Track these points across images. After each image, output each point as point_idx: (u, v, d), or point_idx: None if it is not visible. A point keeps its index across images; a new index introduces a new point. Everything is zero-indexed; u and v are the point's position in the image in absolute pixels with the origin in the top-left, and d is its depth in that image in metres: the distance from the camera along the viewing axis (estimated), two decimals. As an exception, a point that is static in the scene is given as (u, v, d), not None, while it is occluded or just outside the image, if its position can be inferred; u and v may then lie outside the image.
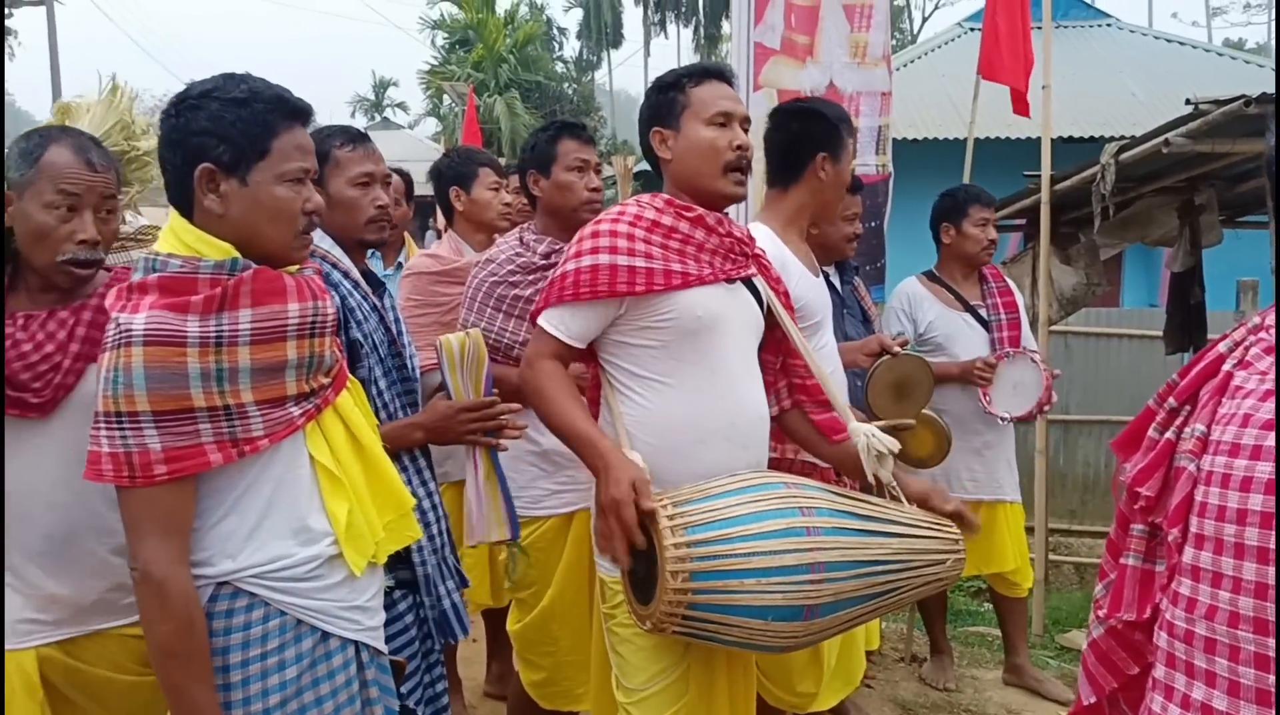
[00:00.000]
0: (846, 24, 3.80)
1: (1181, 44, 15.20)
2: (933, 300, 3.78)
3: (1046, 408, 3.74)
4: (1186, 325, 5.54)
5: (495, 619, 3.65)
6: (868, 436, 2.17)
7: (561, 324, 2.10)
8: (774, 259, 2.54)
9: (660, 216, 2.11)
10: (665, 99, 2.20)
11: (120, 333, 1.54)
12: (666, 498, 1.95)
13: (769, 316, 2.29)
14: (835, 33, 3.78)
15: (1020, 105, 4.29)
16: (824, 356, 2.69)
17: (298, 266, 1.74)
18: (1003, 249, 7.76)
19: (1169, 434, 1.13)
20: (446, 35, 32.51)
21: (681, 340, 2.10)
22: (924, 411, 3.25)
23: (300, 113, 1.70)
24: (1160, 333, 5.83)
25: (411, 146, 30.33)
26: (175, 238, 1.65)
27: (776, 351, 2.35)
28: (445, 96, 29.32)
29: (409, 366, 2.34)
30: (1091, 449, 7.22)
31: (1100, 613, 1.23)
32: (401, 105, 44.37)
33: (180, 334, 1.54)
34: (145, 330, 1.53)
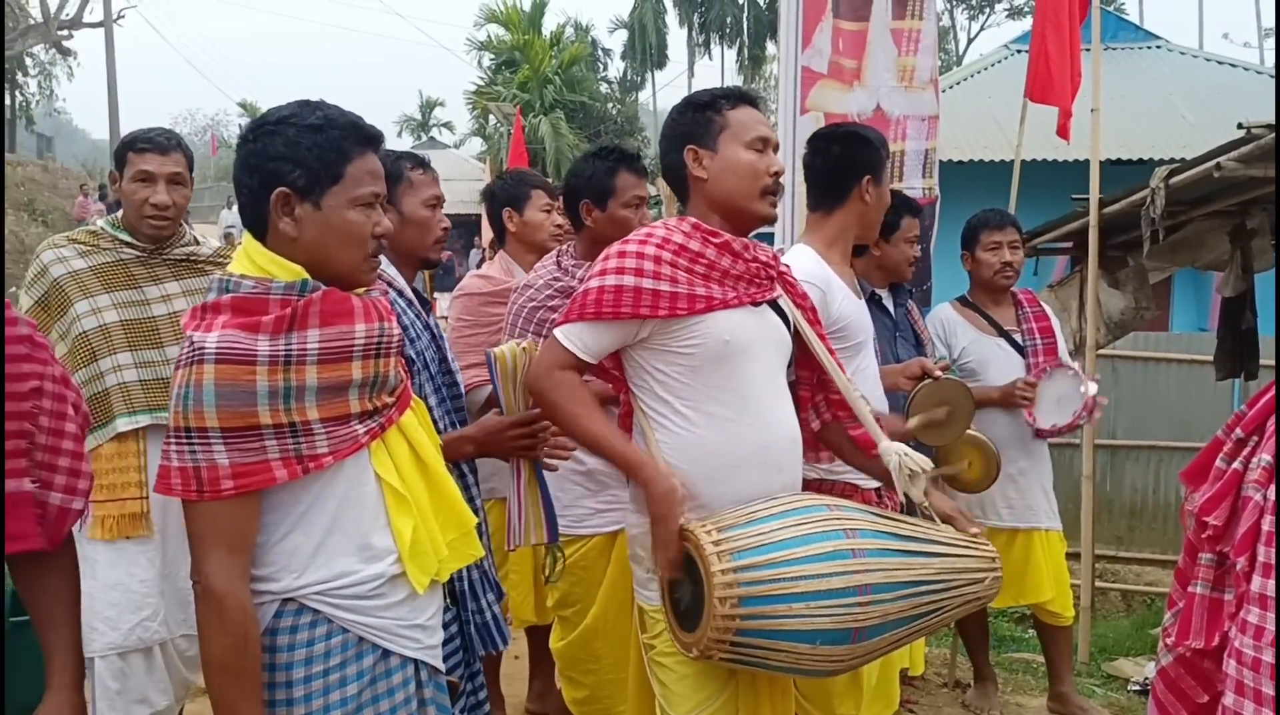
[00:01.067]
0: (894, 48, 3.81)
1: (1233, 66, 15.01)
2: (966, 325, 3.75)
3: (1096, 412, 3.67)
4: (1238, 351, 5.47)
5: (538, 636, 3.67)
6: (899, 456, 2.16)
7: (579, 340, 2.09)
8: (819, 279, 2.57)
9: (688, 241, 2.09)
10: (701, 118, 2.18)
11: (194, 350, 1.58)
12: (710, 523, 1.95)
13: (795, 336, 2.29)
14: (883, 57, 3.79)
15: (1063, 128, 4.27)
16: (863, 378, 2.71)
17: (365, 288, 1.77)
18: (1050, 272, 7.71)
19: (1236, 464, 1.13)
20: (493, 57, 32.88)
21: (710, 365, 2.09)
22: (972, 434, 3.24)
23: (373, 139, 1.74)
24: (1210, 358, 5.75)
25: (457, 166, 30.67)
26: (248, 259, 1.69)
27: (810, 367, 2.35)
28: (490, 117, 29.65)
29: (458, 382, 2.39)
30: (1139, 474, 7.12)
31: (1169, 640, 1.23)
32: (447, 125, 44.89)
33: (251, 353, 1.57)
34: (217, 348, 1.56)
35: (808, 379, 2.36)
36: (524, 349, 2.34)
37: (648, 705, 2.28)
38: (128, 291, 2.72)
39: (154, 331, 2.72)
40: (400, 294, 2.28)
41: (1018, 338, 3.72)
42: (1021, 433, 3.65)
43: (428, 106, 44.47)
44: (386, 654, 1.73)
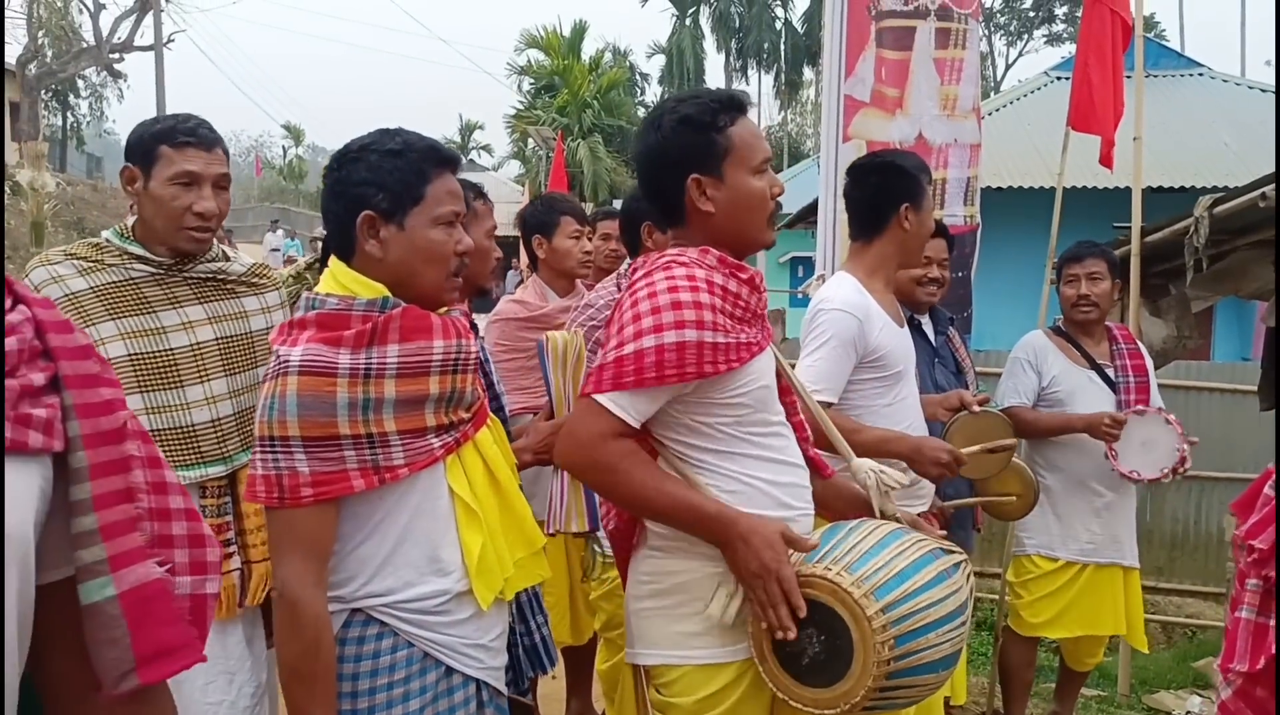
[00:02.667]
0: (937, 77, 3.84)
1: (1275, 93, 14.88)
2: (1058, 354, 3.72)
3: (1180, 471, 3.55)
4: (1283, 381, 5.40)
5: (575, 657, 3.70)
6: (876, 474, 2.11)
7: (631, 407, 1.81)
8: (857, 309, 2.59)
9: (726, 280, 1.88)
10: (703, 141, 1.91)
11: (279, 363, 1.66)
12: (831, 562, 1.81)
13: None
14: (925, 85, 3.83)
15: (1106, 157, 4.27)
16: (904, 407, 2.72)
17: (447, 307, 1.84)
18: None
19: None
20: (533, 81, 33.26)
21: (751, 411, 1.94)
22: (1014, 462, 3.24)
23: (450, 161, 1.82)
24: (1253, 387, 5.68)
25: (495, 188, 30.91)
26: (333, 280, 1.77)
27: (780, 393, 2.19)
28: (529, 140, 29.93)
29: (502, 407, 2.43)
30: (1180, 504, 7.02)
31: (1225, 671, 1.24)
32: (486, 148, 45.42)
33: (332, 366, 1.64)
34: (301, 361, 1.64)
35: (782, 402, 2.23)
36: (574, 336, 2.41)
37: None
38: (139, 317, 2.19)
39: (171, 367, 2.20)
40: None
41: (1110, 372, 3.69)
42: (1104, 464, 3.59)
43: (467, 129, 45.03)
44: (450, 671, 1.77)
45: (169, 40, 30.02)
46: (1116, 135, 4.46)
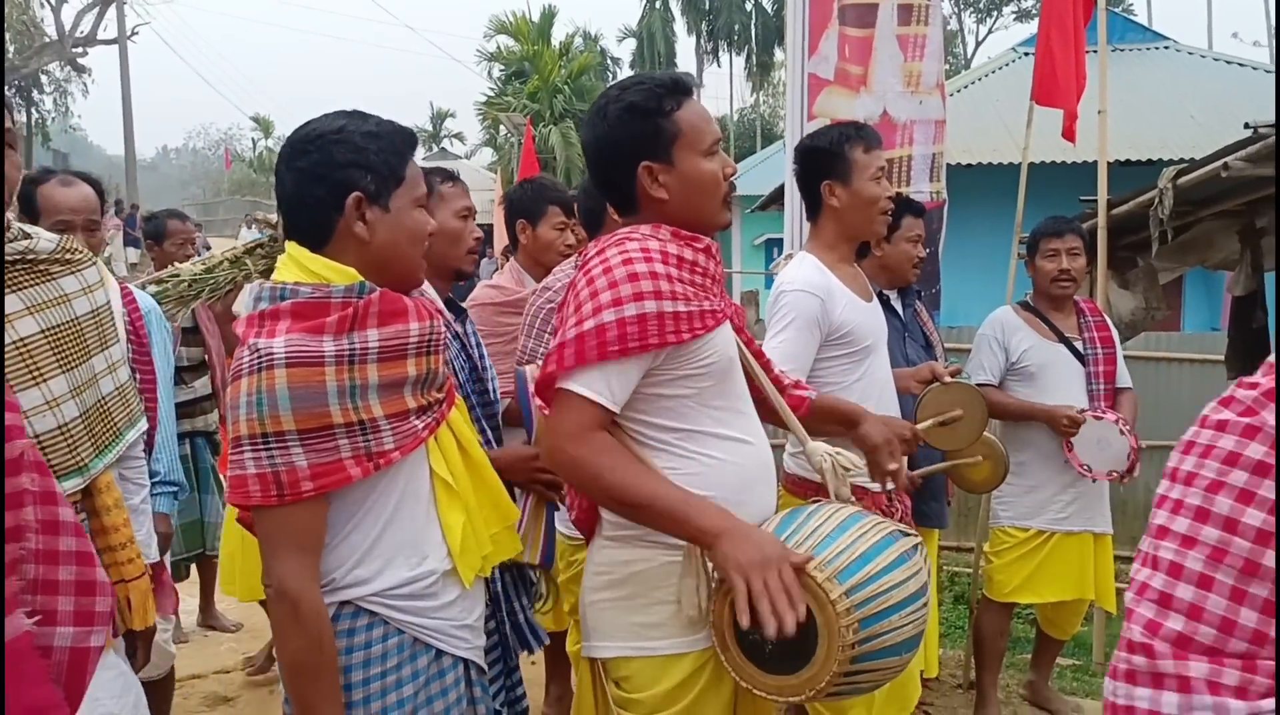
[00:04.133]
0: (900, 54, 3.84)
1: (1241, 65, 14.99)
2: (1027, 330, 3.75)
3: (1128, 478, 3.65)
4: (1249, 350, 5.46)
5: (555, 642, 3.70)
6: (831, 456, 2.09)
7: (605, 388, 1.76)
8: (818, 289, 2.61)
9: (682, 250, 1.86)
10: (650, 127, 1.87)
11: (260, 357, 1.59)
12: (793, 546, 1.77)
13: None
14: (889, 62, 3.83)
15: (1068, 131, 4.29)
16: (871, 382, 2.74)
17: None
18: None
19: None
20: (503, 67, 33.09)
21: (716, 384, 1.90)
22: (984, 436, 3.26)
23: (415, 143, 1.83)
24: (1222, 357, 5.75)
25: (468, 176, 30.76)
26: (299, 267, 1.72)
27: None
28: (501, 127, 29.79)
29: (489, 391, 2.43)
30: (1153, 474, 7.05)
31: None
32: (458, 136, 45.20)
33: (319, 354, 1.62)
34: (286, 353, 1.60)
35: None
36: None
37: None
38: (40, 286, 1.89)
39: (80, 340, 1.95)
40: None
41: (1079, 346, 3.73)
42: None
43: (439, 118, 44.76)
44: (439, 654, 1.78)
45: (133, 33, 29.64)
46: (1081, 109, 4.48)
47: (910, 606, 1.78)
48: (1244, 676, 0.97)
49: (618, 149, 1.90)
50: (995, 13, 42.21)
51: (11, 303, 1.81)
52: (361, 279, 1.71)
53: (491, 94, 32.74)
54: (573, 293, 1.85)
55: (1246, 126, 3.93)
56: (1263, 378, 1.04)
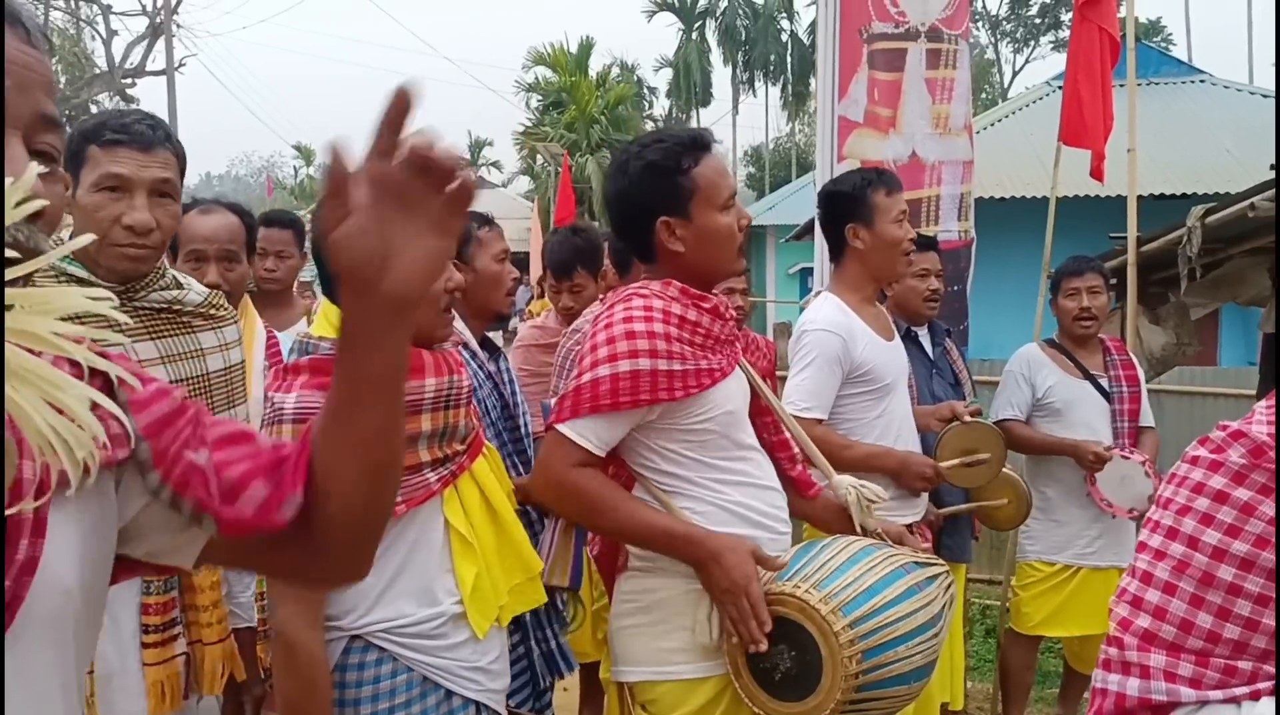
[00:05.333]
0: (928, 96, 3.94)
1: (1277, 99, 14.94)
2: (1052, 366, 3.80)
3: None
4: (1282, 386, 5.46)
5: (589, 670, 3.78)
6: (856, 489, 2.19)
7: (593, 435, 1.90)
8: (839, 328, 2.70)
9: (685, 310, 1.97)
10: (669, 185, 1.98)
11: (275, 411, 1.70)
12: (800, 580, 1.89)
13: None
14: (917, 105, 3.93)
15: (1096, 171, 4.36)
16: (894, 419, 2.82)
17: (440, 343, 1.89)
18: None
19: None
20: (540, 98, 33.46)
21: (717, 436, 2.01)
22: (1006, 473, 3.33)
23: None
24: (1255, 392, 5.75)
25: (505, 204, 31.09)
26: (326, 322, 1.82)
27: (754, 413, 2.25)
28: (539, 156, 30.11)
29: (522, 430, 2.51)
30: (1186, 510, 7.09)
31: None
32: (495, 164, 45.69)
33: None
34: (294, 409, 1.68)
35: (758, 424, 2.29)
36: None
37: None
38: (178, 337, 1.95)
39: (206, 394, 1.97)
40: (464, 346, 2.40)
41: (1104, 383, 3.77)
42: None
43: (476, 147, 45.31)
44: (450, 694, 1.82)
45: (180, 65, 30.34)
46: (1111, 145, 4.54)
47: (919, 637, 1.86)
48: (1197, 670, 1.14)
49: (638, 204, 2.02)
50: (1033, 43, 42.14)
51: (147, 349, 1.85)
52: None
53: (529, 124, 33.10)
54: (583, 344, 1.99)
55: (1273, 167, 3.97)
56: (1240, 422, 1.19)
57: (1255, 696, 1.12)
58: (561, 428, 1.91)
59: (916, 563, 2.00)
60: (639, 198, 2.02)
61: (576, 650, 3.49)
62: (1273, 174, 4.17)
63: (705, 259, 2.02)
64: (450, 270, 1.85)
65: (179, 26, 28.42)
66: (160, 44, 28.49)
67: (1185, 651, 1.15)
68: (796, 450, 2.28)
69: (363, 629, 1.76)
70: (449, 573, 1.83)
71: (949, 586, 2.04)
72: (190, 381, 1.93)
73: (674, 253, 2.01)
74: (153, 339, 1.88)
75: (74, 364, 0.73)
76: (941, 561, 2.12)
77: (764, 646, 1.81)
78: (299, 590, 1.67)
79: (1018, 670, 3.90)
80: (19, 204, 0.69)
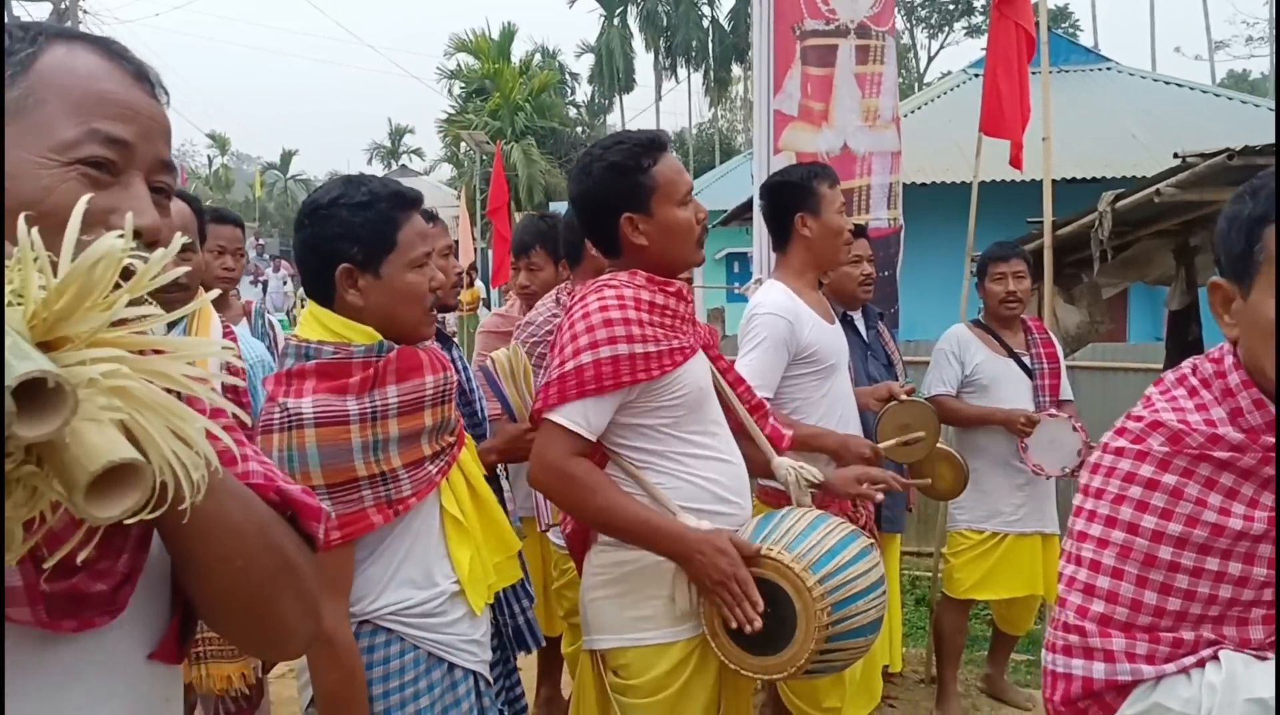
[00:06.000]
0: (858, 91, 4.12)
1: (1179, 86, 15.58)
2: (979, 345, 4.03)
3: (1080, 476, 3.89)
4: (1185, 360, 5.78)
5: (546, 647, 3.91)
6: (795, 470, 2.36)
7: (584, 420, 2.03)
8: (786, 312, 2.86)
9: (652, 295, 2.12)
10: (630, 183, 2.13)
11: (290, 416, 1.74)
12: (773, 543, 2.05)
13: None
14: (848, 99, 4.11)
15: (1015, 159, 4.58)
16: (837, 399, 2.99)
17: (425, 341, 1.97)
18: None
19: None
20: (463, 85, 33.19)
21: (690, 411, 2.15)
22: (942, 447, 3.53)
23: (415, 203, 1.92)
24: (1161, 366, 6.07)
25: (428, 193, 30.77)
26: (320, 325, 1.86)
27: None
28: (462, 144, 29.88)
29: (477, 412, 2.63)
30: (1101, 479, 7.45)
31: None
32: (417, 152, 45.13)
33: (344, 414, 1.75)
34: (315, 413, 1.74)
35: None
36: (514, 351, 2.60)
37: None
38: None
39: None
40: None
41: (1026, 360, 4.01)
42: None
43: (397, 134, 44.73)
44: (452, 668, 1.93)
45: (88, 52, 29.36)
46: (1027, 135, 4.76)
47: (873, 594, 2.06)
48: (1150, 646, 1.26)
49: (602, 203, 2.17)
50: (947, 28, 43.08)
51: None
52: (380, 338, 1.84)
53: (453, 111, 32.85)
54: (559, 335, 2.12)
55: (1176, 156, 4.24)
56: (1145, 410, 1.34)
57: (1201, 665, 1.24)
58: (553, 416, 2.03)
59: (857, 532, 2.19)
60: (603, 196, 2.16)
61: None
62: (1176, 161, 4.44)
63: (667, 251, 2.17)
64: (431, 270, 1.93)
65: (85, 13, 27.56)
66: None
67: (1138, 630, 1.26)
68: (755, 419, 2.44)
69: (373, 614, 1.85)
70: (445, 557, 1.92)
71: (879, 554, 2.23)
72: None
73: (638, 246, 2.16)
74: None
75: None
76: (872, 536, 2.31)
77: (759, 625, 1.96)
78: (332, 588, 1.72)
79: (951, 633, 4.13)
80: (157, 274, 0.80)
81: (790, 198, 2.97)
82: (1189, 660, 1.24)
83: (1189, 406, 1.32)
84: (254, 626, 1.04)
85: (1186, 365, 1.40)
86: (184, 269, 0.83)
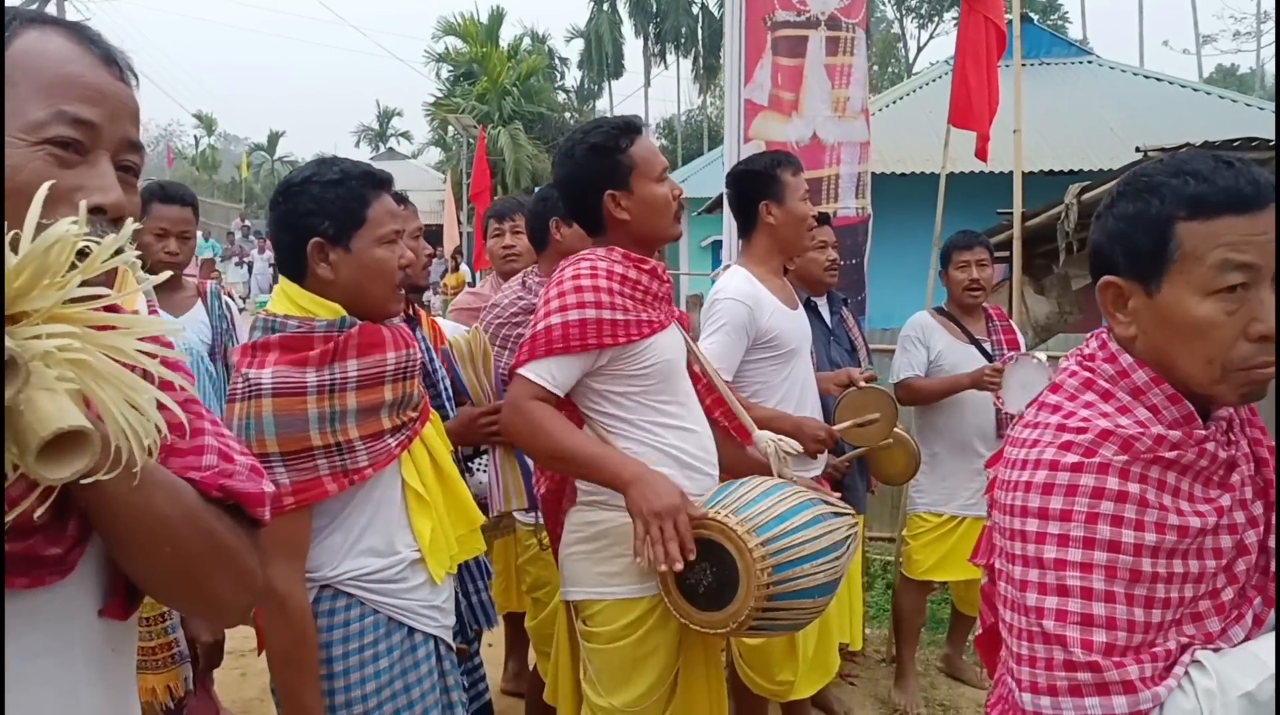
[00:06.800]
0: (828, 81, 4.20)
1: (1159, 80, 15.69)
2: (942, 331, 4.11)
3: None
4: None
5: (514, 623, 4.00)
6: (774, 442, 2.48)
7: (549, 374, 2.18)
8: (746, 298, 2.94)
9: (626, 269, 2.26)
10: (610, 162, 2.29)
11: (250, 386, 1.81)
12: (720, 507, 2.18)
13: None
14: (818, 89, 4.18)
15: (981, 151, 4.66)
16: (797, 383, 3.08)
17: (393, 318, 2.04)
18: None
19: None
20: (451, 69, 33.09)
21: (659, 382, 2.29)
22: (897, 432, 3.62)
23: (385, 183, 2.01)
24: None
25: (416, 176, 30.69)
26: (289, 300, 1.94)
27: (690, 375, 2.54)
28: (450, 127, 29.81)
29: (441, 392, 2.70)
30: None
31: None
32: (405, 135, 44.99)
33: (301, 385, 1.82)
34: (273, 384, 1.81)
35: (697, 387, 2.58)
36: (474, 334, 2.67)
37: (580, 693, 2.45)
38: None
39: None
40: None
41: (988, 347, 4.09)
42: (984, 428, 4.00)
43: (385, 116, 44.57)
44: (412, 631, 2.00)
45: (73, 29, 29.12)
46: (999, 123, 4.81)
47: (823, 558, 2.17)
48: (1151, 665, 1.20)
49: (586, 182, 2.33)
50: (936, 19, 43.11)
51: None
52: (344, 314, 1.91)
53: (440, 95, 32.75)
54: (540, 301, 2.28)
55: (1138, 149, 4.34)
56: (1069, 419, 1.28)
57: (1185, 672, 1.20)
58: (522, 371, 2.20)
59: (825, 502, 2.31)
60: (585, 176, 2.32)
61: (500, 605, 3.72)
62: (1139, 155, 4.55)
63: (646, 224, 2.33)
64: (402, 248, 2.03)
65: (71, -11, 27.35)
66: (50, 7, 27.36)
67: (1138, 651, 1.21)
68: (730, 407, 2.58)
69: (333, 579, 1.92)
70: (406, 528, 2.00)
71: (852, 526, 2.34)
72: None
73: (620, 221, 2.32)
74: None
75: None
76: (852, 510, 2.42)
77: (679, 566, 2.08)
78: (286, 551, 1.80)
79: (909, 613, 4.24)
80: (112, 255, 0.87)
81: (755, 186, 3.05)
82: (1179, 670, 1.21)
83: (1110, 410, 1.28)
84: (188, 600, 1.14)
85: (1076, 367, 1.37)
86: (134, 253, 0.89)
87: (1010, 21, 4.79)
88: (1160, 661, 1.20)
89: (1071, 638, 1.21)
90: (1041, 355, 3.96)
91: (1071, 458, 1.24)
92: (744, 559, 2.10)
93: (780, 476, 2.44)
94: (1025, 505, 1.26)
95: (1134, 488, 1.21)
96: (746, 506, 2.18)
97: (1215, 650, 1.24)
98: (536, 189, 4.14)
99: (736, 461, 2.60)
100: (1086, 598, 1.21)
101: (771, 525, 2.14)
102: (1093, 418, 1.27)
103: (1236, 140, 4.44)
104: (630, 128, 2.34)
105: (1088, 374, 1.33)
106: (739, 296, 2.95)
